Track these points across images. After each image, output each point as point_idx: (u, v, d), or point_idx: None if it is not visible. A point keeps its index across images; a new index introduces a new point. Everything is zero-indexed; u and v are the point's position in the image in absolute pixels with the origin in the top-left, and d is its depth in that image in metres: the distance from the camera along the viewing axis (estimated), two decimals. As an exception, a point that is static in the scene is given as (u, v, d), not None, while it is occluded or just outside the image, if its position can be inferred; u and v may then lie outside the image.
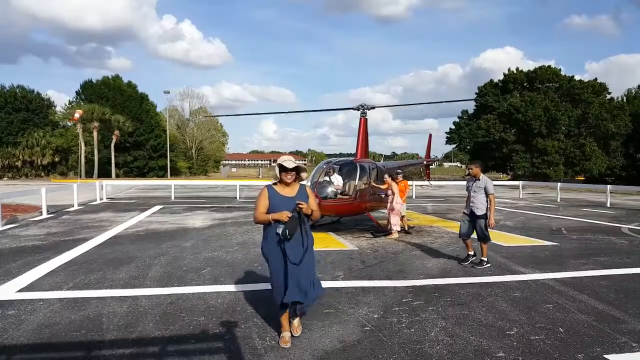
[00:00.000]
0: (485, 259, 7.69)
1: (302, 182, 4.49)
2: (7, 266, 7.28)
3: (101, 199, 20.90)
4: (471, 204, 7.83)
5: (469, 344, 4.29)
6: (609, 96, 47.42)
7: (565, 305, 5.48)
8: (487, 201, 7.74)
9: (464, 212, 8.08)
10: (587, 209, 18.47)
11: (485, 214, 7.75)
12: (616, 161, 44.95)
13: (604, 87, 46.86)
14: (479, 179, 7.86)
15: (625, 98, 49.50)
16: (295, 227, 4.09)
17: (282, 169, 4.26)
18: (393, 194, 11.11)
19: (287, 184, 4.30)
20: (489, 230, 7.84)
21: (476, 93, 51.75)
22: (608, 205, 20.06)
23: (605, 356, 4.03)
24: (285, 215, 4.05)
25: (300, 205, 4.10)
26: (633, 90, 50.18)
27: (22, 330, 4.49)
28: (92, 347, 4.11)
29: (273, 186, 4.34)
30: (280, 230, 4.04)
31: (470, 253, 7.92)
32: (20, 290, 5.92)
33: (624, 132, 44.36)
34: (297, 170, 4.30)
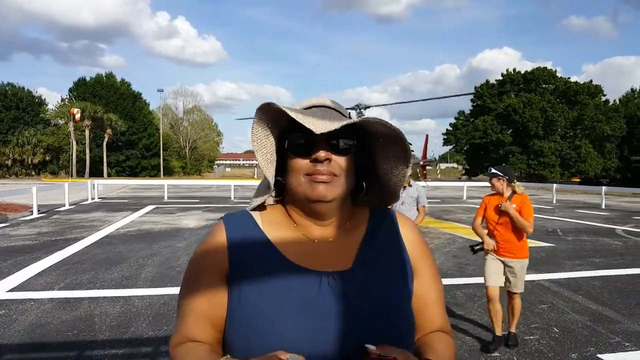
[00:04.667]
0: None
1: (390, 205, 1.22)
2: (-2, 265, 7.20)
3: (93, 199, 20.75)
4: None
5: (465, 344, 4.27)
6: (604, 98, 47.86)
7: (559, 306, 5.49)
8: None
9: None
10: (582, 211, 18.55)
11: None
12: (611, 163, 45.32)
13: (599, 89, 47.32)
14: (410, 186, 5.91)
15: (622, 100, 49.89)
16: None
17: (297, 146, 0.92)
18: None
19: (321, 213, 0.96)
20: None
21: (473, 93, 51.98)
22: (603, 206, 20.15)
23: (599, 355, 4.03)
24: None
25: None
26: (635, 93, 50.45)
27: (13, 330, 4.41)
28: (85, 347, 4.05)
29: (256, 218, 1.00)
30: None
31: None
32: (11, 290, 5.84)
33: (619, 134, 44.73)
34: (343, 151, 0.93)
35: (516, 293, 4.31)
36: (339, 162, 0.91)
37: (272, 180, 0.94)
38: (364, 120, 0.90)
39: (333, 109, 1.00)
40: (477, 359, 3.94)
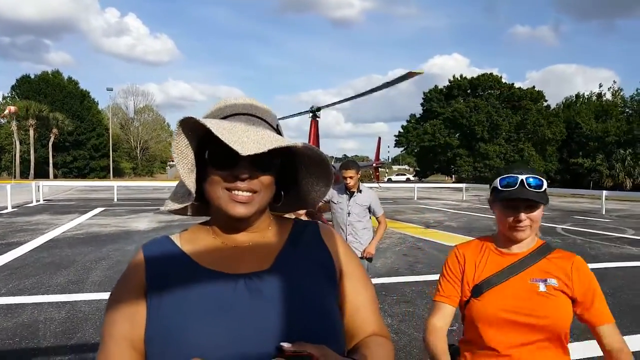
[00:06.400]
0: None
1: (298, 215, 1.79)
2: None
3: (38, 201, 19.86)
4: (348, 236, 4.73)
5: (414, 339, 4.40)
6: (545, 103, 50.26)
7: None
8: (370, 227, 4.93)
9: None
10: (525, 211, 19.36)
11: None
12: (552, 165, 47.52)
13: (541, 95, 49.65)
14: (359, 191, 4.77)
15: (562, 106, 52.39)
16: None
17: (220, 160, 0.91)
18: None
19: (240, 225, 0.98)
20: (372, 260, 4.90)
21: (423, 98, 53.35)
22: (544, 206, 21.12)
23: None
24: None
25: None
26: (571, 99, 53.05)
27: (-51, 340, 4.20)
28: (27, 354, 3.91)
29: (175, 239, 1.01)
30: None
31: None
32: (-54, 297, 5.54)
33: (559, 137, 46.97)
34: (269, 160, 0.93)
35: None
36: (262, 179, 0.91)
37: (193, 188, 0.92)
38: (293, 144, 0.90)
39: (261, 118, 0.97)
40: (426, 356, 4.07)
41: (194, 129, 0.89)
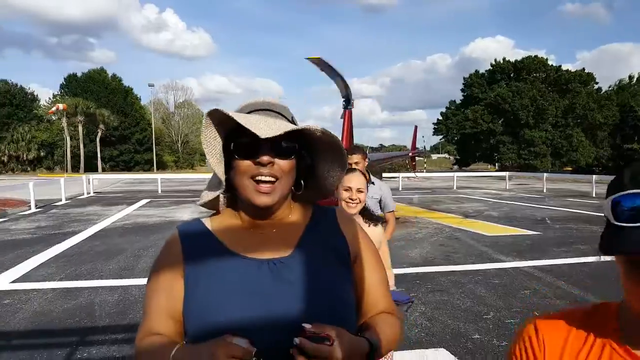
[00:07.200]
0: None
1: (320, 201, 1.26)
2: (0, 259, 7.38)
3: (88, 193, 20.88)
4: None
5: (447, 327, 4.50)
6: (596, 86, 48.01)
7: (542, 291, 5.71)
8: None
9: None
10: (572, 199, 18.84)
11: None
12: (603, 152, 45.61)
13: (591, 77, 47.50)
14: (372, 183, 3.95)
15: (615, 88, 50.04)
16: None
17: (243, 149, 1.01)
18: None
19: (265, 213, 1.08)
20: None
21: (463, 83, 52.12)
22: (593, 195, 20.42)
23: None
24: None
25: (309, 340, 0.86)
26: (625, 80, 50.62)
27: (19, 318, 4.63)
28: (86, 332, 4.27)
29: (206, 223, 1.13)
30: None
31: None
32: (14, 281, 6.05)
33: (612, 122, 44.92)
34: (295, 150, 1.05)
35: None
36: (281, 164, 1.01)
37: (222, 177, 1.04)
38: (306, 127, 1.01)
39: (278, 113, 1.08)
40: (458, 342, 4.16)
41: (220, 123, 1.01)
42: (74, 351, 3.90)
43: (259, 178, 1.00)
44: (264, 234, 1.08)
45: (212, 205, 1.13)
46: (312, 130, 1.03)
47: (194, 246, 1.07)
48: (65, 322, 4.56)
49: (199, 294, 1.00)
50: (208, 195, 1.09)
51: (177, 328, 1.03)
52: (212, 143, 1.02)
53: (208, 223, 1.13)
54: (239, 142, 1.01)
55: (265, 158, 0.99)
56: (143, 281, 6.02)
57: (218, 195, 1.09)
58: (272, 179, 1.01)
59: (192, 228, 1.12)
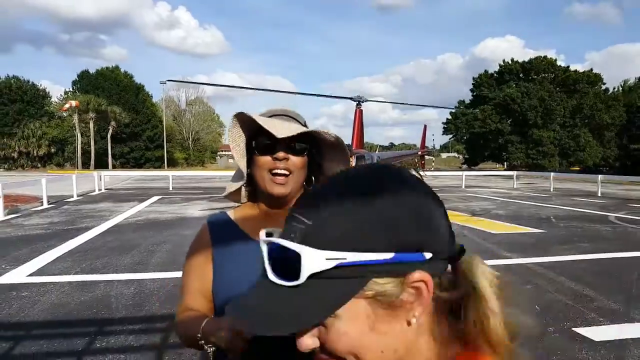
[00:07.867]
0: None
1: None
2: (15, 253, 7.60)
3: (100, 190, 21.19)
4: None
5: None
6: (604, 87, 47.90)
7: (543, 286, 5.83)
8: None
9: None
10: (579, 199, 18.84)
11: None
12: (610, 152, 45.46)
13: (599, 78, 47.37)
14: None
15: (621, 88, 49.89)
16: None
17: (263, 146, 1.21)
18: None
19: (280, 202, 1.25)
20: None
21: (473, 84, 52.11)
22: (599, 194, 20.43)
23: (574, 329, 4.41)
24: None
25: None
26: (630, 81, 50.39)
27: (37, 310, 4.82)
28: (103, 323, 4.45)
29: (230, 214, 1.36)
30: None
31: None
32: (30, 275, 6.25)
33: (619, 122, 44.80)
34: (306, 150, 1.24)
35: None
36: (294, 160, 1.20)
37: (244, 170, 1.25)
38: (315, 130, 1.22)
39: (293, 118, 1.28)
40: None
41: (243, 124, 1.20)
42: (93, 340, 4.08)
43: (276, 171, 1.18)
44: (280, 222, 1.23)
45: (234, 198, 1.34)
46: (319, 132, 1.23)
47: (220, 234, 1.28)
48: (82, 313, 4.75)
49: (225, 276, 1.21)
50: (232, 186, 1.30)
51: (208, 305, 1.24)
52: (236, 140, 1.22)
53: (232, 214, 1.34)
54: (259, 140, 1.20)
55: (281, 154, 1.17)
56: (158, 275, 6.26)
57: (240, 189, 1.30)
58: (287, 172, 1.19)
59: (219, 219, 1.34)
